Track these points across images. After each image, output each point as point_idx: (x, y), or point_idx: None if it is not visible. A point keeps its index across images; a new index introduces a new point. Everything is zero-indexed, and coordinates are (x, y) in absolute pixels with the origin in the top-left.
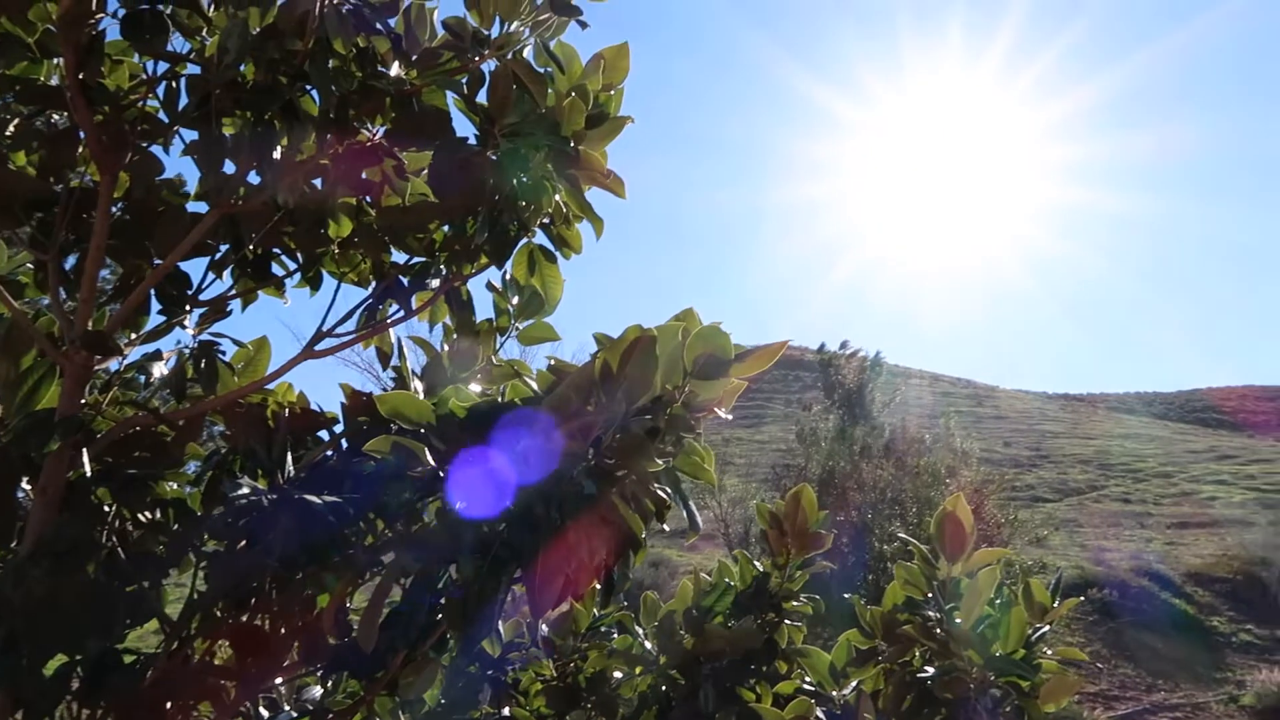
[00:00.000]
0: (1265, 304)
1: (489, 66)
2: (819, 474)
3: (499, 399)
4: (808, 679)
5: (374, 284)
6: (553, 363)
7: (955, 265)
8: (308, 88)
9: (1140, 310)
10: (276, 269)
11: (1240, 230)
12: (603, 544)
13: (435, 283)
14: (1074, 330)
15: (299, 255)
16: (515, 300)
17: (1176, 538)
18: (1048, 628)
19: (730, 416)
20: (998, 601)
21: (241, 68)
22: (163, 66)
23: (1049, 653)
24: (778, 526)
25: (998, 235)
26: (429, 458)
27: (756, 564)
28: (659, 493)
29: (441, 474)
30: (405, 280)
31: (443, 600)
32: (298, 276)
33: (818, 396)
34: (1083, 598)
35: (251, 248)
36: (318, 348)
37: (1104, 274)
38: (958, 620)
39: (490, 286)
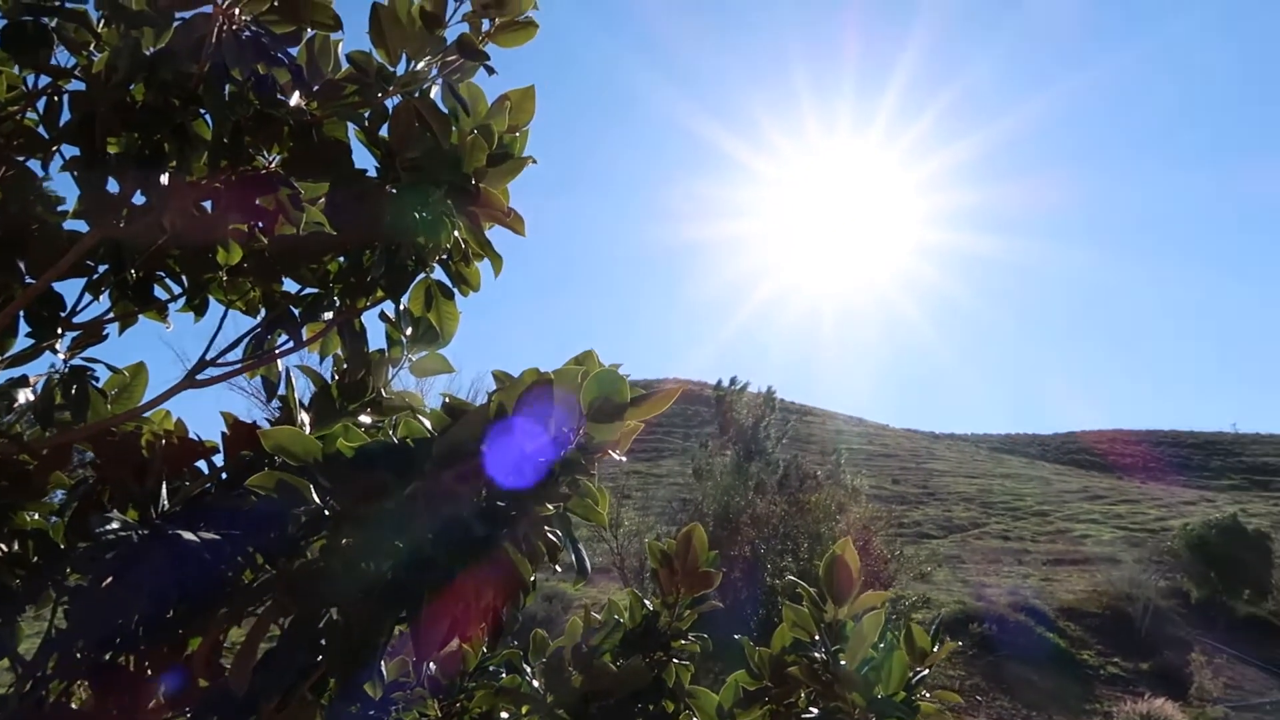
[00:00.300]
0: (1135, 350)
1: (393, 102)
2: (714, 509)
3: (390, 435)
4: (695, 719)
5: (263, 312)
6: (447, 400)
7: (850, 308)
8: (201, 111)
9: (1023, 353)
10: (160, 292)
11: (1111, 278)
12: (491, 587)
13: (328, 314)
14: (961, 372)
15: (184, 280)
16: (409, 331)
17: (1051, 574)
18: (927, 671)
19: (625, 459)
20: (881, 645)
21: (131, 87)
22: (45, 80)
23: (928, 695)
24: (668, 565)
25: (889, 280)
26: (314, 495)
27: (646, 602)
28: (550, 536)
29: (327, 513)
30: (296, 310)
31: (323, 642)
32: (182, 301)
33: (715, 432)
34: (959, 643)
35: (133, 270)
36: (200, 376)
37: (990, 319)
38: (843, 663)
39: (383, 317)
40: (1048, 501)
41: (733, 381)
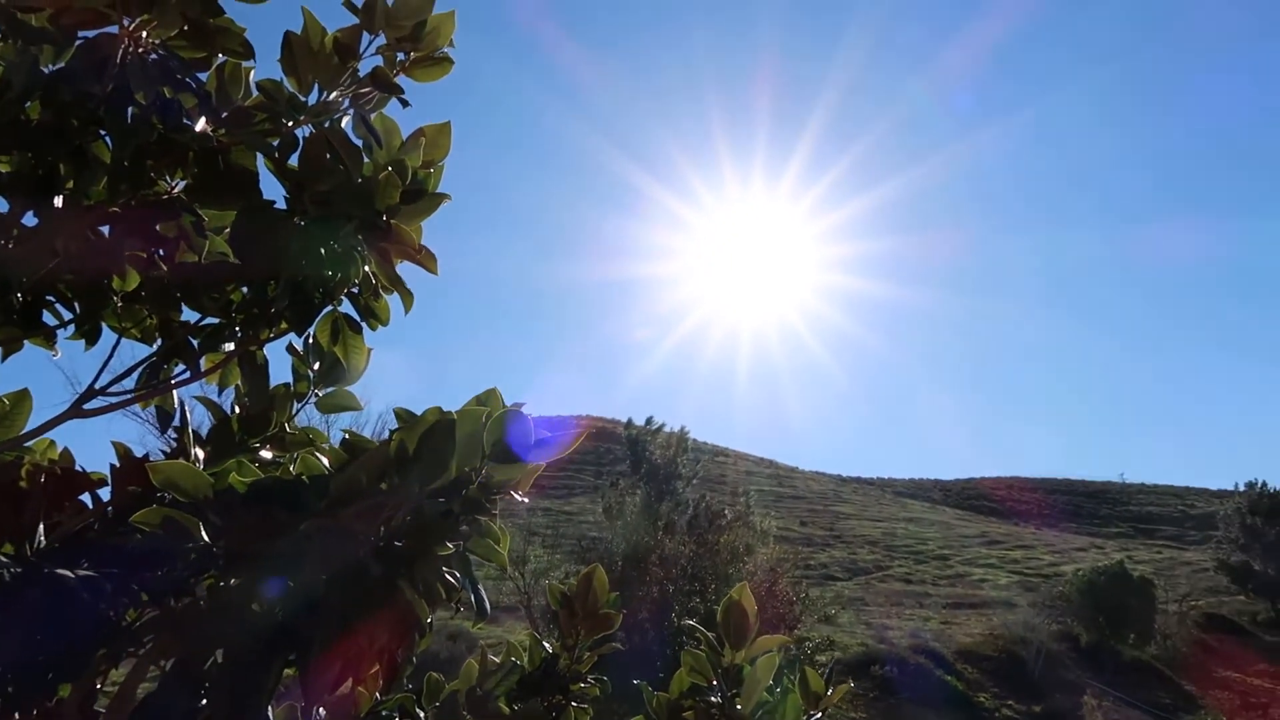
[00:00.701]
0: (1032, 400)
1: (304, 132)
2: (623, 549)
3: (288, 471)
4: None
5: (159, 341)
6: (348, 437)
7: (765, 351)
8: (101, 133)
9: (928, 400)
10: (49, 318)
11: (1009, 330)
12: (385, 629)
13: (229, 346)
14: (870, 418)
15: (76, 305)
16: (316, 366)
17: (950, 617)
18: (821, 714)
19: (528, 499)
20: (777, 689)
21: (27, 105)
22: None
23: None
24: (569, 607)
25: (801, 325)
26: (204, 533)
27: (546, 644)
28: (448, 576)
29: (217, 551)
30: (195, 340)
31: (207, 685)
32: (72, 327)
33: (627, 471)
34: (851, 684)
35: (19, 294)
36: (90, 405)
37: (897, 366)
38: (738, 706)
39: (291, 350)
40: (948, 546)
41: (648, 421)
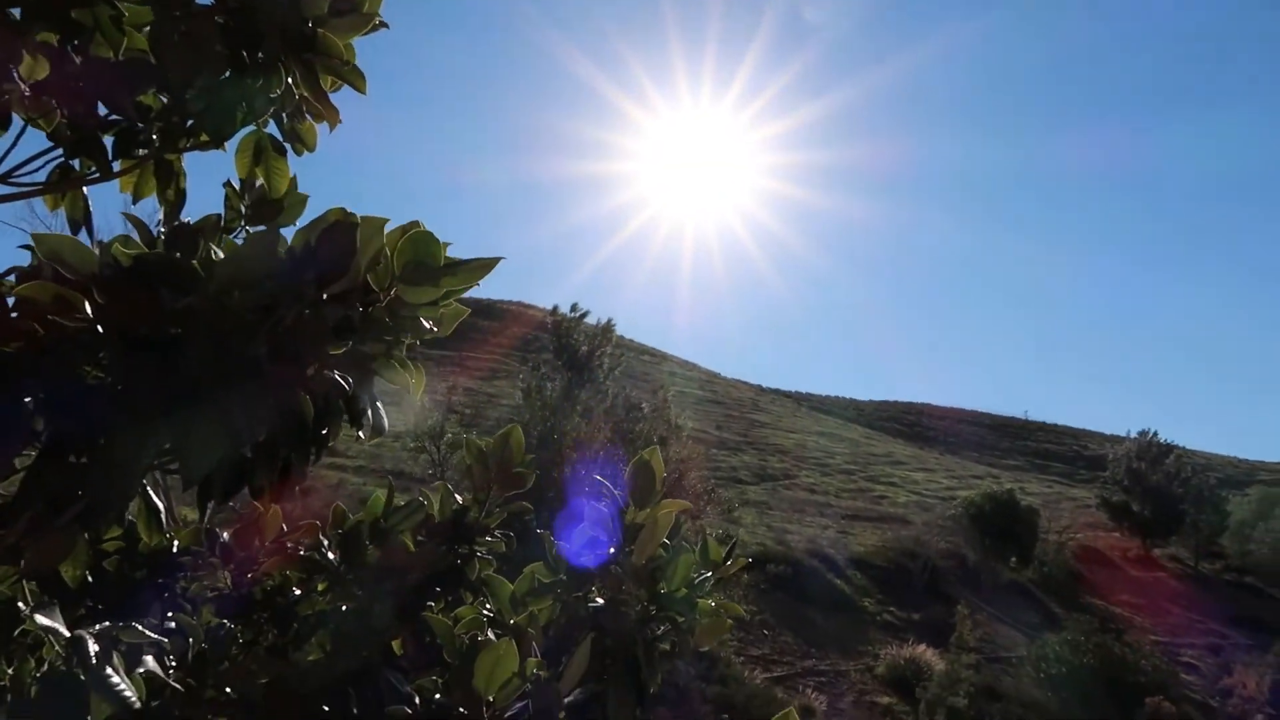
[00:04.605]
0: (950, 328)
1: None
2: (540, 431)
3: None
4: (487, 606)
5: (70, 138)
6: (249, 233)
7: (706, 258)
8: None
9: (854, 318)
10: None
11: (939, 248)
12: (270, 425)
13: (144, 151)
14: (798, 330)
15: None
16: (247, 201)
17: (848, 528)
18: (711, 573)
19: (437, 329)
20: (673, 549)
21: None
22: None
23: (711, 605)
24: (483, 462)
25: (745, 234)
26: (89, 310)
27: (457, 497)
28: (342, 382)
29: (100, 329)
30: (109, 141)
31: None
32: None
33: (551, 358)
34: (746, 575)
35: None
36: None
37: (831, 282)
38: (633, 559)
39: (226, 185)
40: (855, 461)
41: (573, 308)
